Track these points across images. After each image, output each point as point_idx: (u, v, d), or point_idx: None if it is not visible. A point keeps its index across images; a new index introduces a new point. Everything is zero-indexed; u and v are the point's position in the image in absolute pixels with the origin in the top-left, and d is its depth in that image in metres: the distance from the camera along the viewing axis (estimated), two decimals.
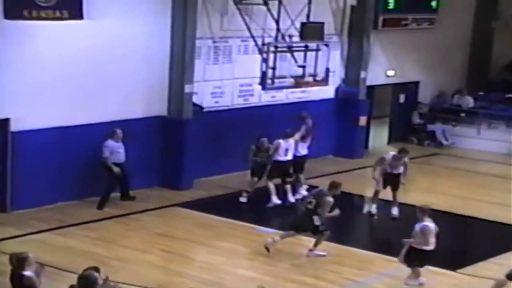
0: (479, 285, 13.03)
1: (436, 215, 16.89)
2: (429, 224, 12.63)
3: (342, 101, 22.44)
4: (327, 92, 21.89)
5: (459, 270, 13.62)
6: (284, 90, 20.10)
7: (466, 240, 16.69)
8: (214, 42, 19.22)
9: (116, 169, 16.21)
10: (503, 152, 23.45)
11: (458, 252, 15.67)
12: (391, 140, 25.12)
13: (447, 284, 13.12)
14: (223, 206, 17.12)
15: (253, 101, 20.40)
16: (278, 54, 17.38)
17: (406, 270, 13.15)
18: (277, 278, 13.00)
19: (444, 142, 24.61)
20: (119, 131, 16.44)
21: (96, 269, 9.03)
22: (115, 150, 16.35)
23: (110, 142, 16.32)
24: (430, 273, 13.42)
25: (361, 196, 18.76)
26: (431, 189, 19.40)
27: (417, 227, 12.62)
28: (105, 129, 16.54)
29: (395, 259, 13.81)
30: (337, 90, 22.55)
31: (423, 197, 18.29)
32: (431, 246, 12.61)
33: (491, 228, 16.65)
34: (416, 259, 12.68)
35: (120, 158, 16.41)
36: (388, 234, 16.31)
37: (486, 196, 18.06)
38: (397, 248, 14.30)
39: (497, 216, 16.82)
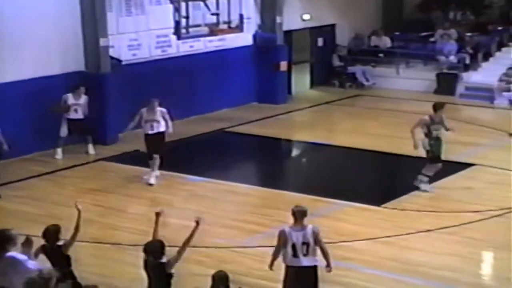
0: (402, 218, 13.30)
1: (362, 154, 17.41)
2: None
3: (261, 48, 22.43)
4: (245, 39, 21.86)
5: (383, 205, 13.88)
6: (202, 40, 20.06)
7: (390, 177, 17.02)
8: None
9: None
10: (422, 89, 23.89)
11: (383, 188, 16.02)
12: (313, 84, 25.34)
13: (372, 218, 13.38)
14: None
15: (171, 51, 20.25)
16: (190, 3, 17.27)
17: (337, 210, 13.42)
18: (210, 225, 12.99)
19: (365, 83, 24.92)
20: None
21: (55, 227, 9.10)
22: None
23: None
24: (356, 209, 13.70)
25: (289, 141, 18.97)
26: (355, 130, 19.68)
27: None
28: (24, 87, 16.23)
29: (323, 199, 14.07)
30: (254, 36, 22.53)
31: (349, 138, 18.66)
32: None
33: (414, 163, 16.96)
34: None
35: None
36: (316, 176, 16.50)
37: (408, 133, 18.32)
38: (324, 189, 14.58)
39: (418, 152, 17.16)
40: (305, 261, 9.03)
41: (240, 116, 20.91)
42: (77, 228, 9.16)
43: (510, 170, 15.83)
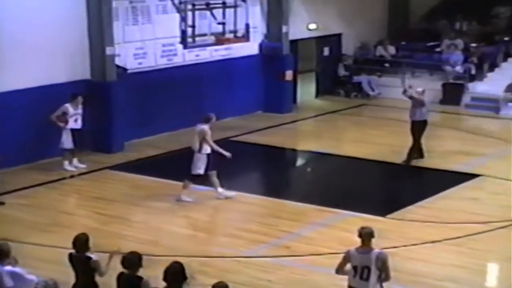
0: (407, 229, 13.26)
1: (367, 164, 17.38)
2: None
3: (267, 57, 22.45)
4: (251, 48, 21.88)
5: (388, 216, 13.83)
6: (208, 49, 20.09)
7: (395, 187, 16.96)
8: (131, 2, 19.04)
9: None
10: (428, 99, 23.72)
11: (388, 198, 15.97)
12: (318, 93, 25.35)
13: (377, 229, 13.21)
14: (155, 166, 17.11)
15: (177, 60, 20.26)
16: (197, 12, 17.31)
17: (341, 219, 13.38)
18: (213, 234, 13.06)
19: (371, 93, 24.91)
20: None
21: (84, 235, 8.92)
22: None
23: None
24: (361, 219, 13.63)
25: (294, 150, 18.99)
26: (361, 140, 19.65)
27: None
28: (30, 95, 16.29)
29: (327, 209, 14.05)
30: (260, 46, 22.55)
31: (354, 148, 18.64)
32: None
33: (419, 174, 17.00)
34: None
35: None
36: (320, 186, 16.48)
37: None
38: (329, 199, 14.56)
39: (424, 163, 17.16)
40: (363, 286, 8.79)
41: (246, 125, 20.91)
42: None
43: None
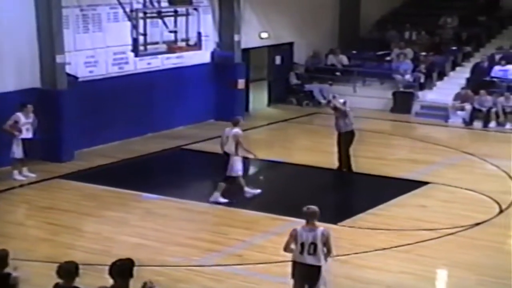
0: (357, 236, 13.38)
1: (319, 172, 17.49)
2: None
3: (219, 65, 22.50)
4: (203, 56, 21.91)
5: (339, 223, 13.93)
6: (160, 57, 20.05)
7: (346, 195, 17.11)
8: (81, 10, 18.89)
9: None
10: (379, 108, 24.13)
11: (339, 206, 16.09)
12: (270, 101, 25.45)
13: None
14: (106, 175, 17.01)
15: (129, 69, 20.19)
16: (148, 20, 17.29)
17: (290, 227, 13.39)
18: (165, 243, 13.00)
19: (323, 101, 25.08)
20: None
21: (4, 251, 8.32)
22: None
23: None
24: None
25: (246, 158, 18.91)
26: (312, 148, 19.79)
27: None
28: None
29: (280, 217, 14.11)
30: (212, 54, 22.57)
31: (306, 156, 18.77)
32: None
33: (370, 181, 17.15)
34: None
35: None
36: (272, 194, 16.53)
37: (364, 151, 18.53)
38: (281, 207, 14.60)
39: (375, 170, 17.33)
40: (311, 260, 9.65)
41: (198, 133, 20.91)
42: None
43: (464, 188, 16.04)
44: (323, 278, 9.69)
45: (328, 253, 9.73)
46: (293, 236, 9.72)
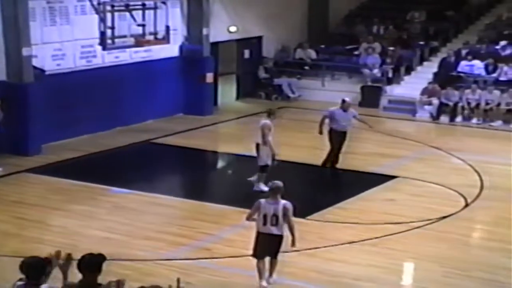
0: (326, 230, 13.46)
1: (288, 166, 17.52)
2: None
3: (187, 59, 22.45)
4: (171, 50, 21.85)
5: (308, 217, 13.98)
6: (128, 50, 19.97)
7: (315, 189, 17.16)
8: (48, 2, 18.77)
9: None
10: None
11: (308, 200, 16.10)
12: (239, 95, 25.47)
13: (297, 230, 13.38)
14: (74, 169, 16.93)
15: (97, 62, 20.08)
16: (116, 13, 17.19)
17: None
18: (134, 237, 12.97)
19: (291, 95, 25.17)
20: None
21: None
22: None
23: None
24: None
25: (215, 152, 19.00)
26: (281, 142, 19.68)
27: None
28: None
29: (248, 210, 14.06)
30: (181, 48, 22.52)
31: (275, 150, 18.69)
32: None
33: (338, 176, 17.25)
34: None
35: None
36: (241, 188, 16.54)
37: None
38: (250, 201, 14.60)
39: (344, 164, 17.41)
40: (273, 230, 10.56)
41: (166, 127, 20.87)
42: None
43: (431, 182, 16.19)
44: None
45: (290, 225, 10.62)
46: (257, 208, 10.62)
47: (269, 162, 15.42)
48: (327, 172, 17.22)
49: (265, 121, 15.54)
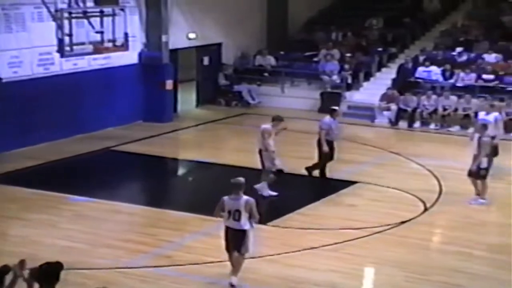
0: (287, 236, 13.49)
1: (248, 172, 17.50)
2: None
3: (147, 66, 22.39)
4: (130, 57, 21.78)
5: (269, 223, 13.99)
6: (86, 57, 19.86)
7: (276, 195, 17.20)
8: (3, 9, 18.58)
9: None
10: (307, 108, 24.34)
11: (269, 206, 16.11)
12: (199, 102, 25.46)
13: (258, 236, 13.43)
14: (34, 177, 16.77)
15: (55, 69, 19.92)
16: (74, 20, 17.05)
17: (219, 227, 13.40)
18: (94, 246, 12.88)
19: (251, 102, 25.23)
20: None
21: None
22: None
23: None
24: None
25: (175, 159, 18.94)
26: (241, 148, 19.80)
27: None
28: None
29: (208, 217, 14.09)
30: (140, 55, 22.45)
31: (235, 157, 18.77)
32: None
33: (299, 181, 17.28)
34: None
35: None
36: (202, 195, 16.52)
37: (294, 151, 18.69)
38: (210, 208, 14.59)
39: (304, 170, 17.45)
40: (236, 225, 11.03)
41: (126, 134, 20.77)
42: None
43: (390, 187, 16.32)
44: (248, 241, 11.08)
45: (255, 219, 11.08)
46: (221, 205, 11.13)
47: (271, 168, 15.54)
48: (288, 177, 17.24)
49: (266, 126, 15.61)
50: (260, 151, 15.67)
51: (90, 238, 13.24)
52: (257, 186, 15.60)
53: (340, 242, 13.05)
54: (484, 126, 15.66)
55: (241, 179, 11.12)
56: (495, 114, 17.60)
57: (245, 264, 11.55)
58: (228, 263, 11.53)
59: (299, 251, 12.71)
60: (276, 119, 15.86)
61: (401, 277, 11.75)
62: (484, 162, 15.18)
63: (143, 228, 14.00)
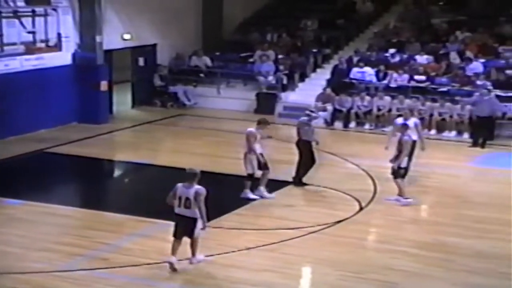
0: (224, 236, 13.52)
1: (184, 173, 17.46)
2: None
3: (81, 67, 22.19)
4: (64, 58, 21.58)
5: (206, 224, 13.97)
6: (18, 58, 19.59)
7: (212, 195, 17.13)
8: None
9: None
10: (243, 109, 24.41)
11: (205, 206, 16.15)
12: (135, 103, 25.34)
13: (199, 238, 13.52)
14: None
15: None
16: (4, 20, 16.81)
17: (160, 230, 13.39)
18: (29, 249, 12.71)
19: (187, 103, 25.21)
20: None
21: None
22: None
23: None
24: None
25: (110, 161, 18.79)
26: (178, 150, 19.81)
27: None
28: None
29: (146, 219, 14.06)
30: (74, 55, 22.22)
31: (171, 158, 18.76)
32: None
33: (235, 182, 17.29)
34: None
35: None
36: (138, 196, 16.45)
37: (229, 152, 18.74)
38: (147, 209, 14.55)
39: (240, 170, 17.47)
40: (186, 212, 11.53)
41: (60, 136, 20.54)
42: None
43: (327, 187, 16.48)
44: (198, 226, 11.58)
45: (200, 209, 11.46)
46: (175, 191, 11.64)
47: (252, 171, 15.51)
48: (224, 178, 17.29)
49: (251, 129, 15.63)
50: (245, 155, 15.63)
51: (24, 242, 13.06)
52: (260, 189, 15.71)
53: (276, 242, 13.14)
54: (405, 126, 15.85)
55: (196, 169, 11.69)
56: (414, 119, 17.88)
57: (180, 265, 11.58)
58: (166, 264, 11.54)
59: (236, 251, 12.75)
60: (262, 122, 15.89)
61: (336, 276, 11.89)
62: (404, 162, 15.50)
63: (79, 231, 13.86)
